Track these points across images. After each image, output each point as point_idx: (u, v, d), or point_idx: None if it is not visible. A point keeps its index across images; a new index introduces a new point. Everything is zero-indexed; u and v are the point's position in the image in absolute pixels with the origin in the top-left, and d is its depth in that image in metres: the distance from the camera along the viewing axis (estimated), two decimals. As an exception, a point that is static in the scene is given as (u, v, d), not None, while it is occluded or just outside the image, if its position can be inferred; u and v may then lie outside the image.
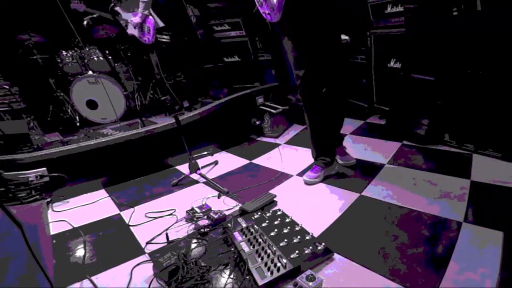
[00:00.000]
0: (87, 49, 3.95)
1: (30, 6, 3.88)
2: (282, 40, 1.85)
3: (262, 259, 1.26)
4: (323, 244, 1.33)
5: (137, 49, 4.21)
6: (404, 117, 2.56)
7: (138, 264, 1.40)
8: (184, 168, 2.54)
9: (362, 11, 2.83)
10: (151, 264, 1.38)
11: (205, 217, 1.67)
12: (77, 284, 1.32)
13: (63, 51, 3.90)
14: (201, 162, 2.44)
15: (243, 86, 3.97)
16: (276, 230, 1.46)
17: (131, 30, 3.50)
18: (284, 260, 1.22)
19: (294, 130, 3.20)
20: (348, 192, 1.84)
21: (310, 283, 1.09)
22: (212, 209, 1.75)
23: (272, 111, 3.08)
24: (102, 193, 2.28)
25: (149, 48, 3.63)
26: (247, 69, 4.06)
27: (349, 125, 2.12)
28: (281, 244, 1.34)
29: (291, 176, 2.18)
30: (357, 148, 2.41)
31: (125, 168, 2.53)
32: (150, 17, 3.44)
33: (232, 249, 1.40)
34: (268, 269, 1.19)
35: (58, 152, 2.32)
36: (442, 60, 2.17)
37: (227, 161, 2.64)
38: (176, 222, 1.72)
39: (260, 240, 1.38)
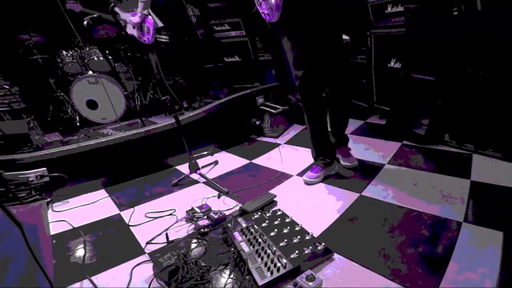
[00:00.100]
0: (87, 49, 3.95)
1: (30, 6, 3.88)
2: (282, 40, 1.85)
3: (262, 259, 1.26)
4: (323, 244, 1.33)
5: (137, 49, 4.21)
6: (404, 117, 2.56)
7: (138, 264, 1.40)
8: (184, 168, 2.54)
9: (362, 11, 2.83)
10: (151, 264, 1.38)
11: (205, 217, 1.67)
12: (77, 284, 1.32)
13: (63, 51, 3.90)
14: (201, 162, 2.44)
15: (243, 86, 3.97)
16: (276, 230, 1.46)
17: (130, 30, 3.50)
18: (284, 260, 1.22)
19: (294, 130, 3.20)
20: (348, 192, 1.84)
21: (310, 283, 1.09)
22: (212, 209, 1.75)
23: (272, 111, 3.08)
24: (102, 193, 2.28)
25: (149, 48, 3.62)
26: (247, 69, 4.06)
27: (349, 125, 2.13)
28: (281, 244, 1.35)
29: (291, 176, 2.18)
30: (357, 148, 2.40)
31: (125, 168, 2.53)
32: (150, 17, 3.43)
33: (232, 249, 1.40)
34: (268, 269, 1.19)
35: (58, 152, 2.32)
36: (442, 60, 2.16)
37: (227, 161, 2.64)
38: (176, 222, 1.73)
39: (260, 240, 1.38)
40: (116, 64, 4.24)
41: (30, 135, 3.06)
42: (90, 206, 2.09)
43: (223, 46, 4.06)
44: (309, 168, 2.13)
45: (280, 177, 2.18)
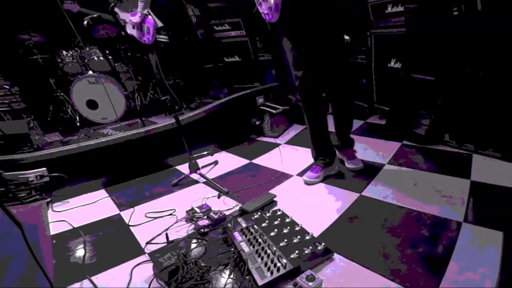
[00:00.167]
0: (87, 49, 3.95)
1: (31, 6, 3.88)
2: (281, 40, 1.85)
3: (262, 259, 1.26)
4: (323, 244, 1.33)
5: (137, 49, 4.21)
6: (404, 117, 2.56)
7: (138, 264, 1.40)
8: (184, 168, 2.54)
9: (362, 11, 2.83)
10: (151, 264, 1.38)
11: (205, 217, 1.67)
12: (77, 284, 1.32)
13: (64, 51, 3.90)
14: (201, 162, 2.44)
15: (243, 86, 3.97)
16: (276, 230, 1.46)
17: (130, 30, 3.50)
18: (284, 260, 1.22)
19: (294, 130, 3.20)
20: (348, 192, 1.84)
21: (310, 283, 1.09)
22: (212, 209, 1.75)
23: (272, 111, 3.08)
24: (102, 193, 2.28)
25: (149, 48, 3.62)
26: (247, 69, 4.06)
27: (349, 125, 2.18)
28: (281, 244, 1.35)
29: (291, 176, 2.18)
30: (358, 148, 2.39)
31: (125, 168, 2.53)
32: (149, 16, 3.43)
33: (232, 249, 1.40)
34: (268, 269, 1.19)
35: (58, 152, 2.32)
36: (442, 60, 2.16)
37: (227, 161, 2.64)
38: (176, 222, 1.73)
39: (260, 240, 1.38)
40: (116, 64, 4.25)
41: (30, 135, 3.06)
42: (90, 206, 2.09)
43: (223, 46, 4.06)
44: (309, 168, 2.13)
45: (280, 177, 2.18)
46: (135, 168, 2.53)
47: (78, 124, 3.88)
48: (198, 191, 2.15)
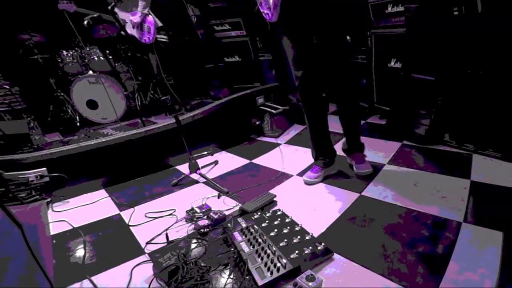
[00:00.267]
0: (88, 49, 3.95)
1: (31, 6, 3.88)
2: (282, 40, 1.85)
3: (262, 259, 1.26)
4: (323, 244, 1.33)
5: (137, 49, 4.21)
6: (404, 117, 2.55)
7: (138, 264, 1.40)
8: (184, 168, 2.54)
9: (362, 11, 2.83)
10: (151, 264, 1.38)
11: (205, 217, 1.67)
12: (77, 284, 1.32)
13: (64, 51, 3.90)
14: (201, 162, 2.44)
15: (244, 86, 3.97)
16: (276, 230, 1.46)
17: (130, 30, 3.49)
18: (284, 260, 1.22)
19: (295, 130, 3.20)
20: (348, 192, 1.84)
21: (310, 283, 1.09)
22: (212, 209, 1.75)
23: (272, 111, 3.08)
24: (102, 193, 2.28)
25: (149, 48, 3.62)
26: (248, 69, 4.06)
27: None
28: (281, 244, 1.34)
29: (291, 176, 2.18)
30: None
31: (125, 168, 2.53)
32: (150, 16, 3.43)
33: (232, 249, 1.40)
34: (268, 269, 1.19)
35: (58, 152, 2.32)
36: (442, 60, 2.16)
37: (227, 161, 2.64)
38: (176, 222, 1.73)
39: (260, 240, 1.38)
40: (116, 64, 4.25)
41: (30, 135, 3.06)
42: (90, 206, 2.10)
43: (223, 46, 4.06)
44: (309, 168, 2.13)
45: (280, 177, 2.18)
46: (135, 168, 2.53)
47: (78, 124, 3.88)
48: (198, 191, 2.15)
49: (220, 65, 4.27)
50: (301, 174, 2.15)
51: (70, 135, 3.62)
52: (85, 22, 3.11)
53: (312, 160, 2.13)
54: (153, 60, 3.69)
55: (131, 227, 1.75)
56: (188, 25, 4.47)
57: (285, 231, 1.46)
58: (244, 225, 1.53)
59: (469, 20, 1.95)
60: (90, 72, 3.80)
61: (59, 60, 3.89)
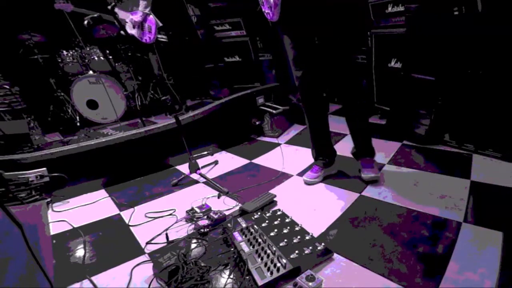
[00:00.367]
0: (88, 49, 3.95)
1: (31, 6, 3.88)
2: (282, 40, 1.85)
3: (262, 259, 1.26)
4: (322, 244, 1.33)
5: (137, 49, 4.21)
6: (404, 117, 2.55)
7: (138, 264, 1.40)
8: (184, 168, 2.54)
9: (363, 11, 2.82)
10: (151, 264, 1.38)
11: (205, 217, 1.67)
12: (77, 284, 1.32)
13: (64, 51, 3.90)
14: (201, 162, 2.44)
15: (244, 86, 3.97)
16: (276, 230, 1.46)
17: (130, 30, 3.49)
18: (284, 260, 1.22)
19: (295, 130, 3.20)
20: (348, 192, 1.84)
21: (310, 283, 1.09)
22: (212, 209, 1.75)
23: (273, 111, 3.07)
24: (102, 193, 2.28)
25: (149, 47, 3.62)
26: (248, 69, 4.06)
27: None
28: (281, 244, 1.35)
29: (291, 176, 2.18)
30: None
31: (125, 168, 2.53)
32: (151, 16, 3.43)
33: (232, 249, 1.40)
34: (268, 269, 1.19)
35: (58, 152, 2.32)
36: (442, 60, 2.16)
37: (227, 161, 2.64)
38: (176, 222, 1.73)
39: (260, 240, 1.38)
40: (116, 64, 4.25)
41: (30, 135, 3.06)
42: (90, 206, 2.09)
43: (223, 46, 4.06)
44: (309, 168, 2.13)
45: (280, 177, 2.18)
46: (135, 168, 2.53)
47: (78, 124, 3.88)
48: (198, 191, 2.15)
49: (220, 65, 4.27)
50: (301, 174, 2.15)
51: (70, 135, 3.62)
52: (85, 22, 3.11)
53: (312, 160, 2.13)
54: (154, 60, 3.68)
55: (131, 227, 1.75)
56: (188, 25, 4.47)
57: (285, 231, 1.46)
58: (244, 225, 1.53)
59: (469, 20, 1.95)
60: (90, 72, 3.80)
61: (59, 60, 3.89)
